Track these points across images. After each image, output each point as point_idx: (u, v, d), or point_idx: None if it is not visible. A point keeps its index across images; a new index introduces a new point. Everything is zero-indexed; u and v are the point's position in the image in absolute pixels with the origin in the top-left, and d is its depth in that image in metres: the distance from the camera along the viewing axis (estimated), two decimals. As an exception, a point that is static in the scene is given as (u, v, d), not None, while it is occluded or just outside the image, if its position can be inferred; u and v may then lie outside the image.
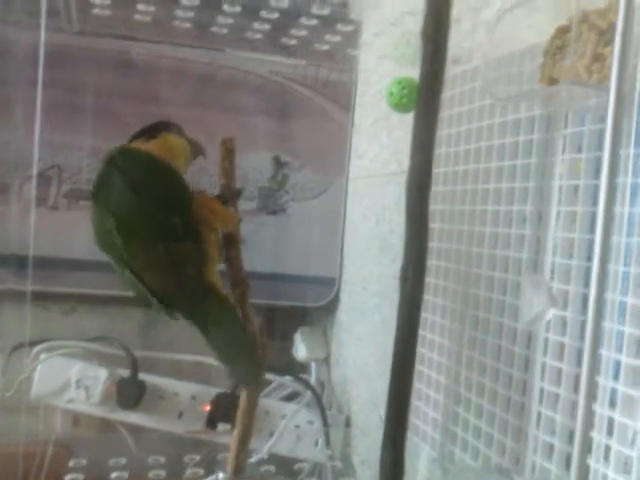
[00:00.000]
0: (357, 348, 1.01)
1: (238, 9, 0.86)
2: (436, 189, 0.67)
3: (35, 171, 0.97)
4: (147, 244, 0.62)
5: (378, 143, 0.98)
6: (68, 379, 0.98)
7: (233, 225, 0.68)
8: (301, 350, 1.10)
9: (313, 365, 1.09)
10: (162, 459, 0.94)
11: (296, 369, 1.08)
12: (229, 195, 0.69)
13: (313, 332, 1.12)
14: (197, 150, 0.70)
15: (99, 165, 0.65)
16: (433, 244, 0.72)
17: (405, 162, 0.89)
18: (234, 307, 0.66)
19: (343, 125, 1.06)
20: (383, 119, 0.95)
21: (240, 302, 0.66)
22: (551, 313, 0.49)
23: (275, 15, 0.89)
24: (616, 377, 0.49)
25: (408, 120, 0.82)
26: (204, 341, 0.66)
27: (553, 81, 0.48)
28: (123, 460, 0.92)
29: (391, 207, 0.92)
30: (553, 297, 0.49)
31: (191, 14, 0.90)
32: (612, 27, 0.42)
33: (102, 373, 0.98)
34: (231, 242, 0.69)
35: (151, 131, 0.66)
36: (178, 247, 0.62)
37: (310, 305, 1.10)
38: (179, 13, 0.90)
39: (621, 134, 0.43)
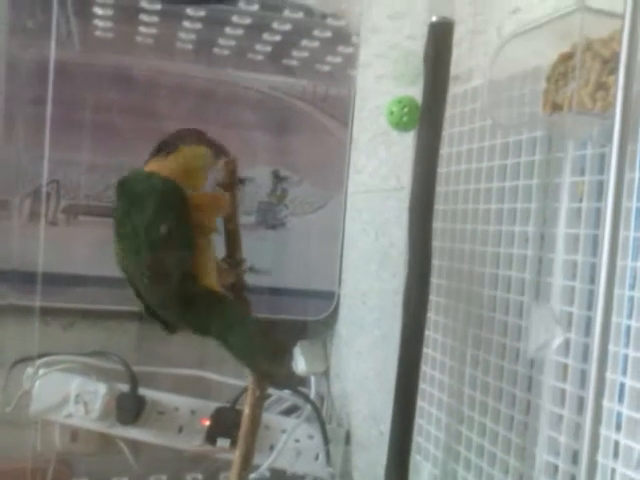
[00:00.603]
0: (357, 362, 1.01)
1: (240, 31, 0.87)
2: (437, 207, 0.68)
3: (45, 184, 0.97)
4: (140, 260, 0.63)
5: (377, 158, 0.98)
6: (67, 394, 0.98)
7: (225, 208, 0.68)
8: (300, 364, 1.10)
9: (312, 379, 1.09)
10: (164, 477, 0.94)
11: (295, 383, 1.09)
12: (229, 182, 0.69)
13: (312, 346, 1.12)
14: (219, 152, 0.70)
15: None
16: (434, 262, 0.72)
17: (404, 177, 0.90)
18: (234, 301, 0.67)
19: (342, 140, 1.07)
20: (382, 134, 0.96)
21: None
22: (559, 341, 0.50)
23: (277, 37, 0.89)
24: (621, 400, 0.49)
25: (407, 136, 0.83)
26: (222, 349, 0.66)
27: (556, 107, 0.49)
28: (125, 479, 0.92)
29: (391, 222, 0.92)
30: (561, 325, 0.50)
31: (193, 36, 0.90)
32: (615, 56, 0.43)
33: (101, 388, 0.97)
34: (232, 239, 0.69)
35: (168, 146, 0.67)
36: (166, 259, 0.62)
37: (309, 319, 1.10)
38: (181, 35, 0.90)
39: (625, 160, 0.44)
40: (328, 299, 1.09)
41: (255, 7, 0.79)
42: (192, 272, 0.64)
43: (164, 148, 0.66)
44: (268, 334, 0.66)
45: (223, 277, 0.68)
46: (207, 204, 0.66)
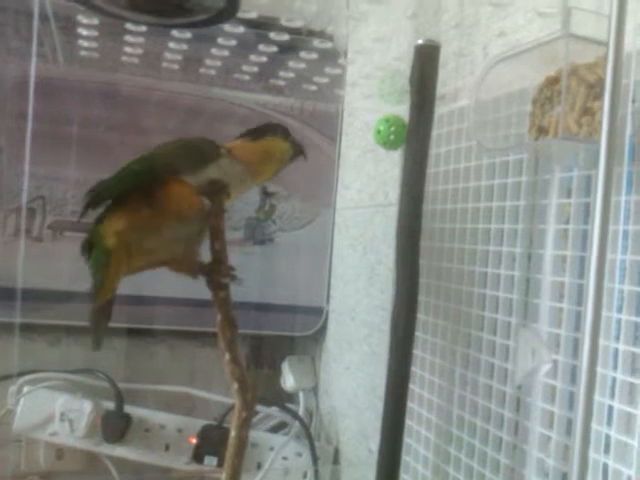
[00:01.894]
0: (346, 378, 1.01)
1: (226, 53, 0.87)
2: (425, 226, 0.68)
3: (25, 200, 0.97)
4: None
5: (365, 174, 0.98)
6: (52, 412, 0.97)
7: (192, 211, 0.64)
8: (289, 380, 1.09)
9: (301, 395, 1.09)
10: (150, 498, 0.94)
11: (284, 399, 1.08)
12: (213, 189, 0.66)
13: (301, 361, 1.12)
14: (298, 151, 0.74)
15: None
16: (422, 280, 0.72)
17: (392, 193, 0.90)
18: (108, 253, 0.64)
19: (330, 156, 1.07)
20: (370, 151, 0.96)
21: (229, 345, 0.65)
22: (546, 367, 0.50)
23: (263, 59, 0.90)
24: (609, 422, 0.49)
25: (395, 152, 0.83)
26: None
27: (542, 131, 0.49)
28: (111, 500, 0.91)
29: (379, 238, 0.92)
30: (548, 351, 0.50)
31: (179, 56, 0.91)
32: (600, 81, 0.43)
33: (87, 406, 0.96)
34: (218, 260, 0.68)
35: (257, 133, 0.70)
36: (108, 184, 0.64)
37: (298, 334, 1.10)
38: (167, 55, 0.91)
39: (611, 184, 0.44)
40: (317, 315, 1.09)
41: (241, 29, 0.80)
42: (110, 221, 0.63)
43: (252, 134, 0.70)
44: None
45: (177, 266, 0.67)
46: (175, 195, 0.63)
